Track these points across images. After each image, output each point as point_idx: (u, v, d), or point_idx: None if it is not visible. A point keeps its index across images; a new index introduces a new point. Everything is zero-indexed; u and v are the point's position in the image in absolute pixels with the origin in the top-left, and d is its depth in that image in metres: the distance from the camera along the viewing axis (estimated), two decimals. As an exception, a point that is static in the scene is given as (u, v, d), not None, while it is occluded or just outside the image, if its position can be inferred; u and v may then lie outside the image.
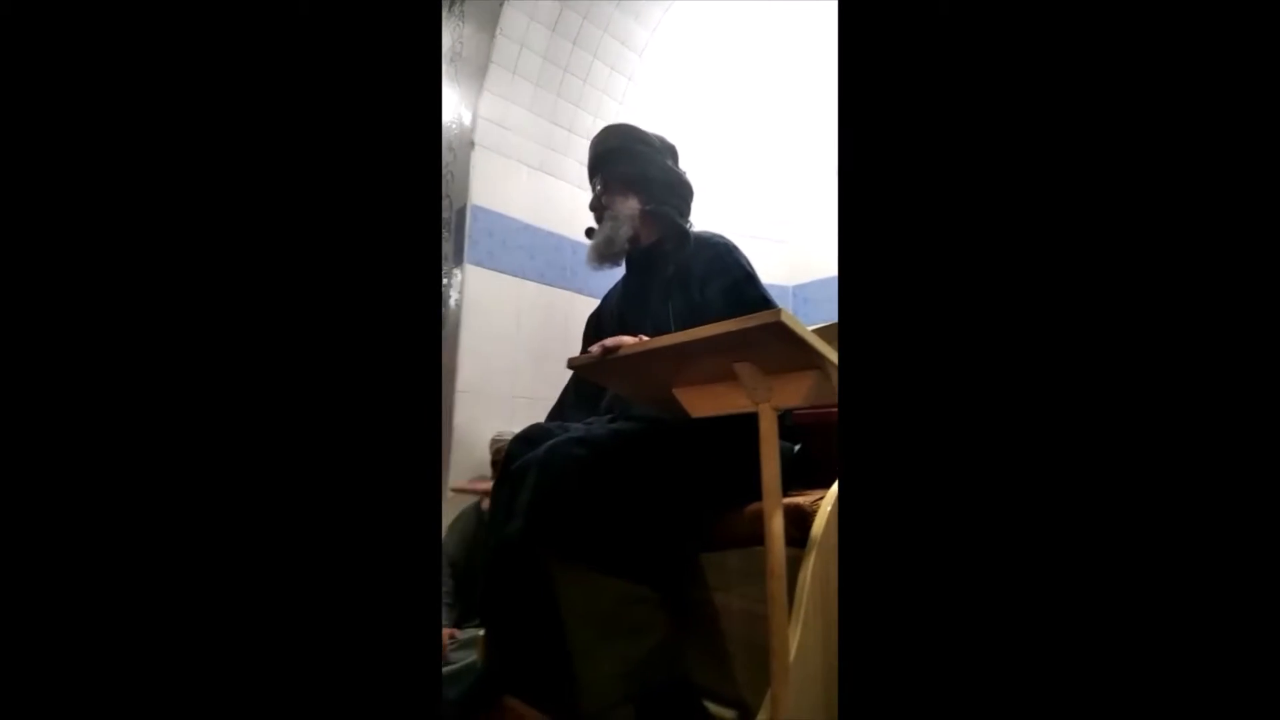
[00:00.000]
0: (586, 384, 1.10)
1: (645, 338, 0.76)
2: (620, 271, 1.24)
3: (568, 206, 2.24)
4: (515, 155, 2.16)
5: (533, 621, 0.79)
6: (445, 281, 2.04)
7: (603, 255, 1.15)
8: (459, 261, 1.99)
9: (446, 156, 2.09)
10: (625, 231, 1.14)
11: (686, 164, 1.24)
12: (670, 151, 1.22)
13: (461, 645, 1.48)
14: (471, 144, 2.06)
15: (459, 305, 1.96)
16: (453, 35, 2.26)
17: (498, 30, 2.03)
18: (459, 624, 1.58)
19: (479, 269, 2.00)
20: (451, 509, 1.79)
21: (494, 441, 1.78)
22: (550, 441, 0.87)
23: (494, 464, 1.74)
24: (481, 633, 1.20)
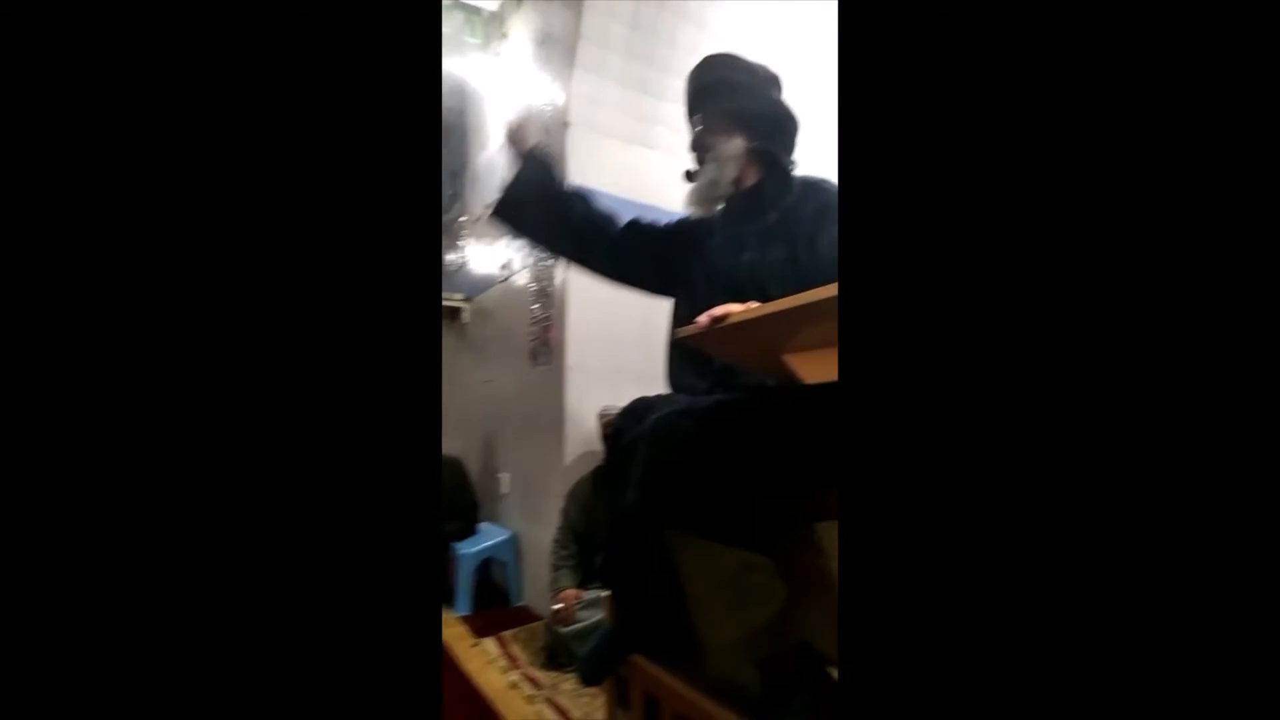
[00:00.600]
0: (692, 351, 1.10)
1: (755, 304, 0.74)
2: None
3: (659, 176, 2.22)
4: (607, 130, 2.16)
5: (656, 588, 0.82)
6: (550, 261, 2.11)
7: (706, 199, 1.07)
8: (561, 241, 2.05)
9: (544, 139, 2.14)
10: (730, 173, 1.05)
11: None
12: (774, 82, 1.12)
13: (587, 605, 1.57)
14: (565, 124, 2.08)
15: (564, 284, 2.03)
16: (541, 17, 2.29)
17: (584, 3, 2.02)
18: (583, 585, 1.67)
19: (580, 247, 2.04)
20: (569, 478, 1.89)
21: (602, 415, 1.84)
22: (655, 415, 0.88)
23: (604, 438, 1.80)
24: (605, 593, 1.27)
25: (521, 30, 2.44)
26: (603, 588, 1.56)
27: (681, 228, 1.17)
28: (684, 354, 1.12)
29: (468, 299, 2.90)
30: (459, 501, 2.28)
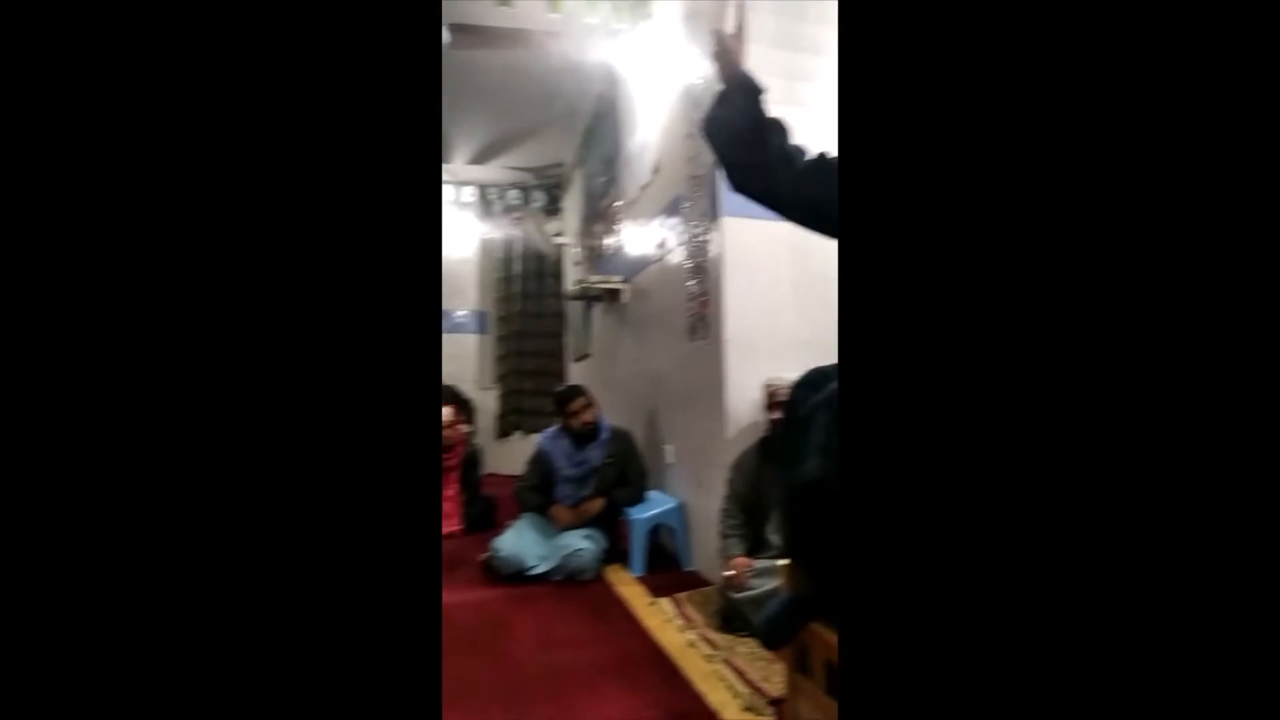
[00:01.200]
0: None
1: None
2: None
3: (809, 135, 2.11)
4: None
5: (838, 556, 0.82)
6: (704, 237, 2.12)
7: None
8: (715, 216, 2.05)
9: (694, 114, 2.14)
10: None
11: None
12: None
13: (759, 573, 1.60)
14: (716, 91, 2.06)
15: (719, 259, 2.03)
16: (685, -10, 2.27)
17: (729, -31, 1.97)
18: (752, 554, 1.71)
19: (734, 219, 2.03)
20: (731, 450, 1.92)
21: (768, 385, 1.84)
22: (832, 385, 0.86)
23: (769, 406, 1.80)
24: (777, 562, 1.29)
25: (667, 7, 2.45)
26: (774, 556, 1.58)
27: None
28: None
29: (626, 280, 3.03)
30: (629, 469, 2.42)
